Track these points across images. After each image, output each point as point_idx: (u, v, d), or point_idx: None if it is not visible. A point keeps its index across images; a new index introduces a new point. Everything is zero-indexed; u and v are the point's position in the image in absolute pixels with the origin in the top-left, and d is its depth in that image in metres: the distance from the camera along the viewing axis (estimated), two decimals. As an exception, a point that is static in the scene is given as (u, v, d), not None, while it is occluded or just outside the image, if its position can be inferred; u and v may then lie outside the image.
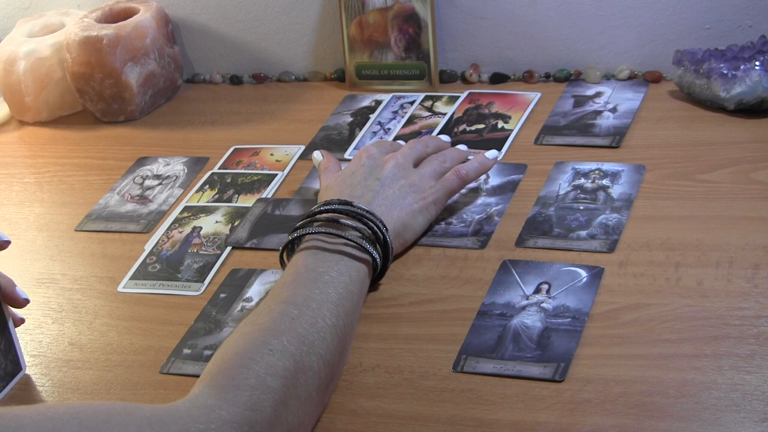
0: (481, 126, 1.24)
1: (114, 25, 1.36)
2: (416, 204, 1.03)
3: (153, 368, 0.93)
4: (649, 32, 1.29)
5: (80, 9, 1.48)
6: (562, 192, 1.09)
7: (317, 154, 1.13)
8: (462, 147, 1.12)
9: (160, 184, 1.22)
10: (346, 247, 0.94)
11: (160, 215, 1.16)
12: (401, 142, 1.13)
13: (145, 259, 1.09)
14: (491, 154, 1.10)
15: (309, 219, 0.97)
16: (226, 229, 1.11)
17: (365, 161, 1.06)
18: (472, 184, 1.11)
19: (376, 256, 0.95)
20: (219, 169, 1.24)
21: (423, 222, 1.04)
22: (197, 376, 0.83)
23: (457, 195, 1.09)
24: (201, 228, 1.12)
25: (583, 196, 1.08)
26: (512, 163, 1.16)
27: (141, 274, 1.06)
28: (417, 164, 1.08)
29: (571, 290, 0.94)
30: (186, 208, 1.16)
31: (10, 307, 0.93)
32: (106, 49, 1.34)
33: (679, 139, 1.17)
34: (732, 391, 0.81)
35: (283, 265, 0.98)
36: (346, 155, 1.22)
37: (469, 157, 1.11)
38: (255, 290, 1.01)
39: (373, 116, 1.30)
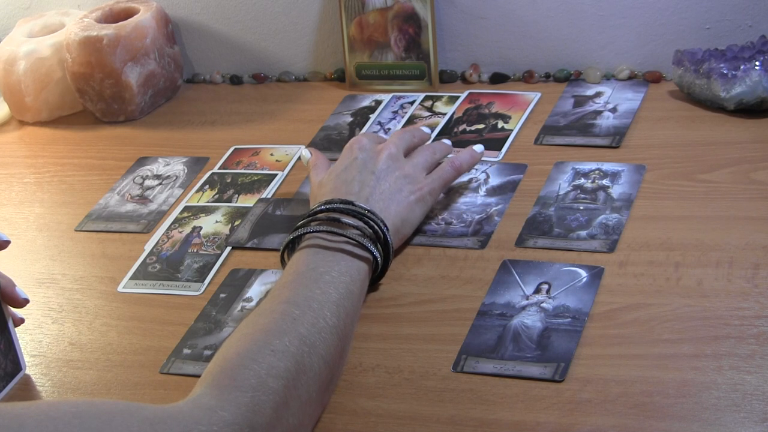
0: (481, 126, 1.24)
1: (114, 25, 1.36)
2: (413, 195, 1.03)
3: (153, 368, 0.93)
4: (649, 32, 1.29)
5: (80, 9, 1.48)
6: (562, 192, 1.09)
7: (305, 152, 1.12)
8: (446, 141, 1.13)
9: (160, 184, 1.22)
10: (347, 246, 0.94)
11: (160, 215, 1.16)
12: (384, 136, 1.13)
13: (145, 259, 1.09)
14: (478, 147, 1.11)
15: (309, 218, 0.97)
16: (226, 229, 1.11)
17: (358, 153, 1.05)
18: (465, 178, 1.11)
19: (377, 255, 0.95)
20: (219, 169, 1.24)
21: (420, 213, 1.04)
22: (197, 376, 0.83)
23: (458, 195, 1.09)
24: (201, 228, 1.12)
25: (583, 196, 1.08)
26: (512, 163, 1.16)
27: (141, 274, 1.06)
28: (406, 154, 1.08)
29: (571, 290, 0.94)
30: (186, 208, 1.16)
31: (10, 307, 0.93)
32: (106, 49, 1.34)
33: (679, 139, 1.17)
34: (732, 391, 0.82)
35: (283, 264, 0.98)
36: (346, 155, 1.22)
37: (463, 150, 1.12)
38: (255, 290, 1.01)
39: (373, 116, 1.30)
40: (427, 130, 1.15)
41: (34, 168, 1.31)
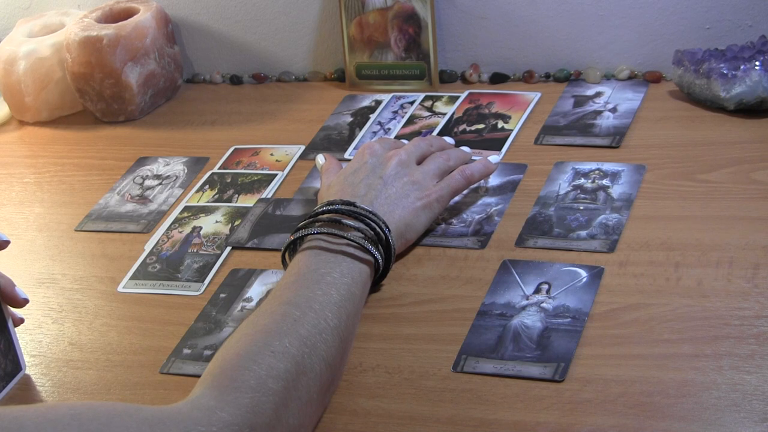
0: (481, 126, 1.24)
1: (114, 25, 1.36)
2: (419, 202, 1.02)
3: (153, 368, 0.93)
4: (649, 32, 1.29)
5: (80, 9, 1.48)
6: (562, 192, 1.09)
7: (320, 158, 1.13)
8: (465, 149, 1.12)
9: (160, 184, 1.22)
10: (349, 248, 0.94)
11: (160, 215, 1.16)
12: (404, 141, 1.13)
13: (145, 259, 1.09)
14: (494, 159, 1.10)
15: (311, 219, 0.97)
16: (226, 229, 1.11)
17: (368, 158, 1.06)
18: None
19: (378, 257, 0.95)
20: (219, 169, 1.24)
21: (425, 220, 1.03)
22: (197, 376, 0.83)
23: (460, 195, 1.09)
24: (201, 228, 1.12)
25: (583, 196, 1.08)
26: (512, 163, 1.16)
27: (141, 274, 1.06)
28: (420, 162, 1.08)
29: (571, 290, 0.94)
30: (186, 208, 1.16)
31: (9, 307, 0.93)
32: (106, 49, 1.34)
33: (679, 139, 1.17)
34: (732, 391, 0.81)
35: (285, 265, 0.98)
36: (347, 155, 1.22)
37: (475, 158, 1.11)
38: (255, 290, 1.01)
39: (373, 116, 1.30)
40: (450, 140, 1.15)
41: (34, 168, 1.31)
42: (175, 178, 1.23)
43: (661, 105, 1.24)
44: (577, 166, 1.13)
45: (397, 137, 1.24)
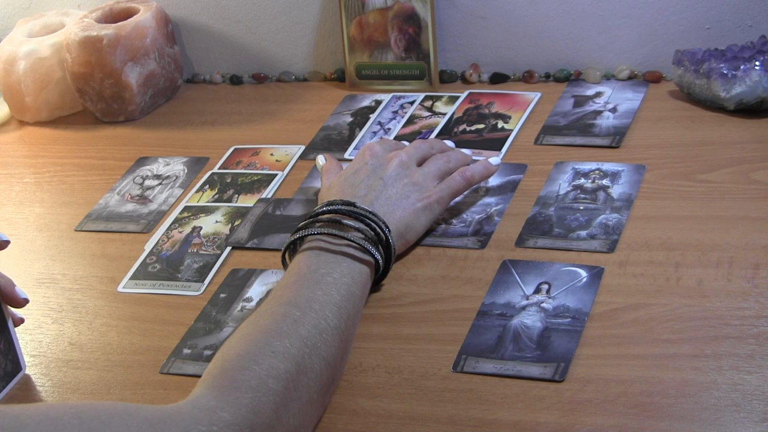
0: (481, 126, 1.24)
1: (114, 25, 1.36)
2: (419, 203, 1.02)
3: (153, 368, 0.93)
4: (649, 32, 1.29)
5: (80, 9, 1.48)
6: (562, 192, 1.09)
7: (320, 158, 1.13)
8: (466, 151, 1.12)
9: (160, 184, 1.22)
10: (349, 248, 0.94)
11: (160, 215, 1.16)
12: (405, 142, 1.13)
13: (145, 259, 1.09)
14: (494, 160, 1.10)
15: (311, 219, 0.97)
16: (226, 229, 1.11)
17: (369, 159, 1.06)
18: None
19: (379, 257, 0.95)
20: (219, 169, 1.24)
21: (425, 221, 1.03)
22: (197, 376, 0.84)
23: (460, 196, 1.09)
24: (201, 228, 1.12)
25: (583, 196, 1.08)
26: (512, 163, 1.16)
27: (141, 274, 1.06)
28: (421, 164, 1.08)
29: (571, 290, 0.94)
30: (186, 208, 1.16)
31: (9, 307, 0.93)
32: (106, 49, 1.34)
33: (679, 139, 1.17)
34: (732, 391, 0.82)
35: (285, 265, 0.98)
36: (347, 155, 1.22)
37: (476, 158, 1.11)
38: (255, 290, 1.01)
39: (373, 116, 1.30)
40: (450, 143, 1.14)
41: (34, 168, 1.31)
42: (175, 178, 1.23)
43: (661, 105, 1.24)
44: (577, 166, 1.13)
45: (397, 137, 1.24)
